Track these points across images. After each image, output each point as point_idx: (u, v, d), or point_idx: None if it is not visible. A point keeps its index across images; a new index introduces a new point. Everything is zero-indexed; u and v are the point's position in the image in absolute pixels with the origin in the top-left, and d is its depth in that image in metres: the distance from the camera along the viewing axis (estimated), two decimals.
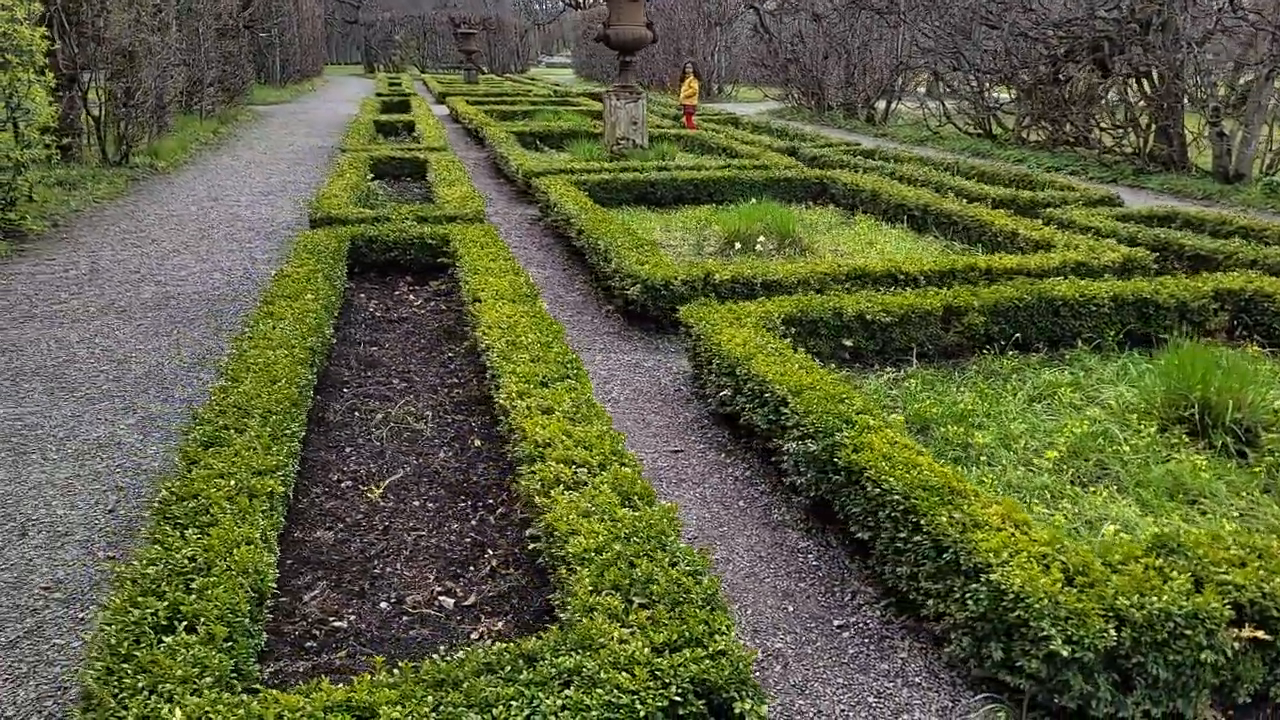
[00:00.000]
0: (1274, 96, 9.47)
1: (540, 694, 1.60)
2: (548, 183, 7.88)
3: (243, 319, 5.05)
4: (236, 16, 18.92)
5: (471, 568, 2.54)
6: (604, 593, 1.90)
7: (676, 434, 3.56)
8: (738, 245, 6.16)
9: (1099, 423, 3.28)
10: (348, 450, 3.26)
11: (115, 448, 3.38)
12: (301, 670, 2.07)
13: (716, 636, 1.75)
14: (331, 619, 2.28)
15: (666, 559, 2.00)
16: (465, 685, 1.63)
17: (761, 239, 6.16)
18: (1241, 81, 10.18)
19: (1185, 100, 10.27)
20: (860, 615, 2.37)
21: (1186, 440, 3.18)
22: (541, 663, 1.68)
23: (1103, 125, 11.40)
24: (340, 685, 1.65)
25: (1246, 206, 8.72)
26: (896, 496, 2.25)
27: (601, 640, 1.73)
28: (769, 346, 3.42)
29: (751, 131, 14.36)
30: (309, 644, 2.18)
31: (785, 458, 2.89)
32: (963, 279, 4.86)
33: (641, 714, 1.58)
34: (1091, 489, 2.86)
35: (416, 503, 2.90)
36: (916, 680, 2.12)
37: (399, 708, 1.57)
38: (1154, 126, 10.47)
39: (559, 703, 1.58)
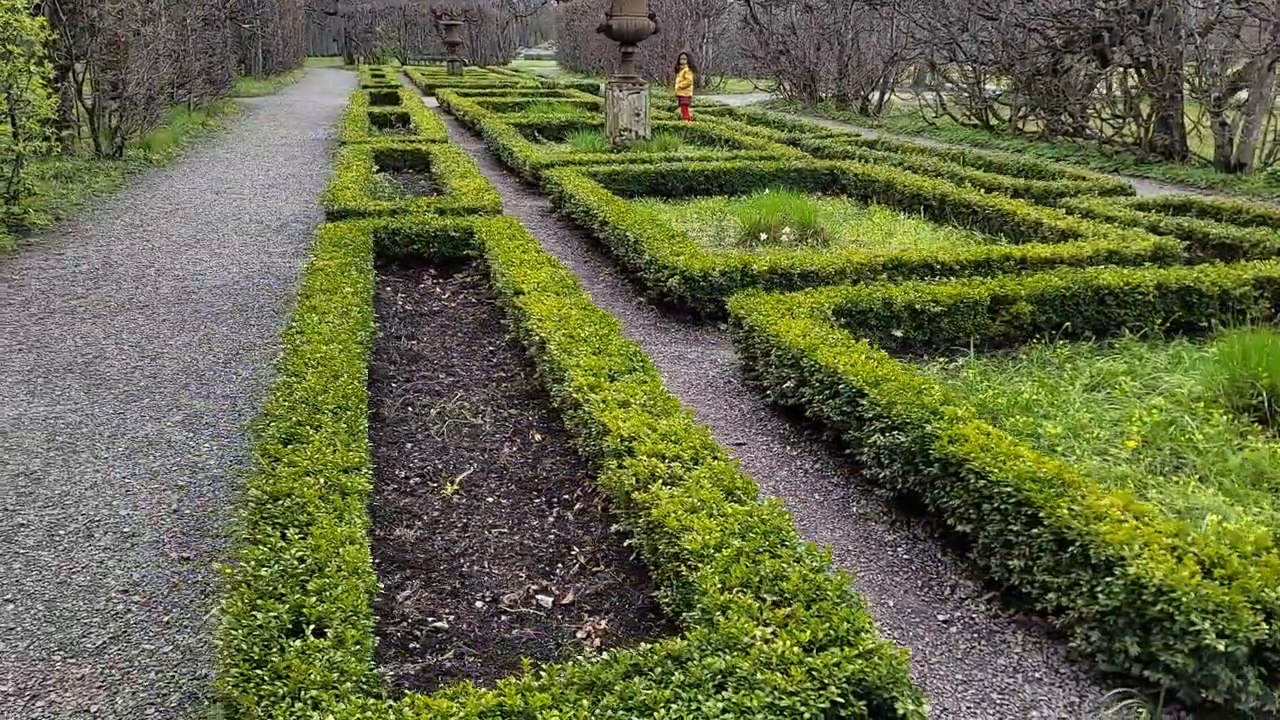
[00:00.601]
0: (1275, 86, 9.53)
1: (698, 696, 1.55)
2: (560, 174, 7.80)
3: (269, 314, 4.97)
4: (221, 7, 18.64)
5: (560, 565, 2.49)
6: (734, 590, 1.85)
7: (735, 427, 3.51)
8: (763, 236, 6.12)
9: (1166, 411, 3.26)
10: (409, 446, 3.19)
11: (166, 446, 3.29)
12: (413, 673, 2.01)
13: (862, 635, 1.71)
14: (430, 619, 2.22)
15: (790, 555, 1.96)
16: (618, 688, 1.58)
17: (787, 230, 6.12)
18: (1231, 71, 10.23)
19: (1186, 90, 10.32)
20: (965, 610, 2.33)
21: (1257, 428, 3.17)
22: (691, 664, 1.63)
23: (1103, 115, 11.44)
24: (486, 690, 1.59)
25: (1251, 195, 8.78)
26: (1007, 489, 2.22)
27: (747, 640, 1.69)
28: (831, 337, 3.38)
29: (748, 123, 14.31)
30: (412, 645, 2.12)
31: (864, 450, 2.85)
32: (999, 268, 4.84)
33: (806, 716, 1.53)
34: (1172, 478, 2.85)
35: (490, 499, 2.84)
36: (1037, 675, 2.08)
37: (556, 712, 1.52)
38: (1155, 116, 10.52)
39: (719, 705, 1.53)
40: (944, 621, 2.30)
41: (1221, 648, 1.73)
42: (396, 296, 5.21)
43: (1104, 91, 11.79)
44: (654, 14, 10.86)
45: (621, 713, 1.52)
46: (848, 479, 3.02)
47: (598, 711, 1.53)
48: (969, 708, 1.99)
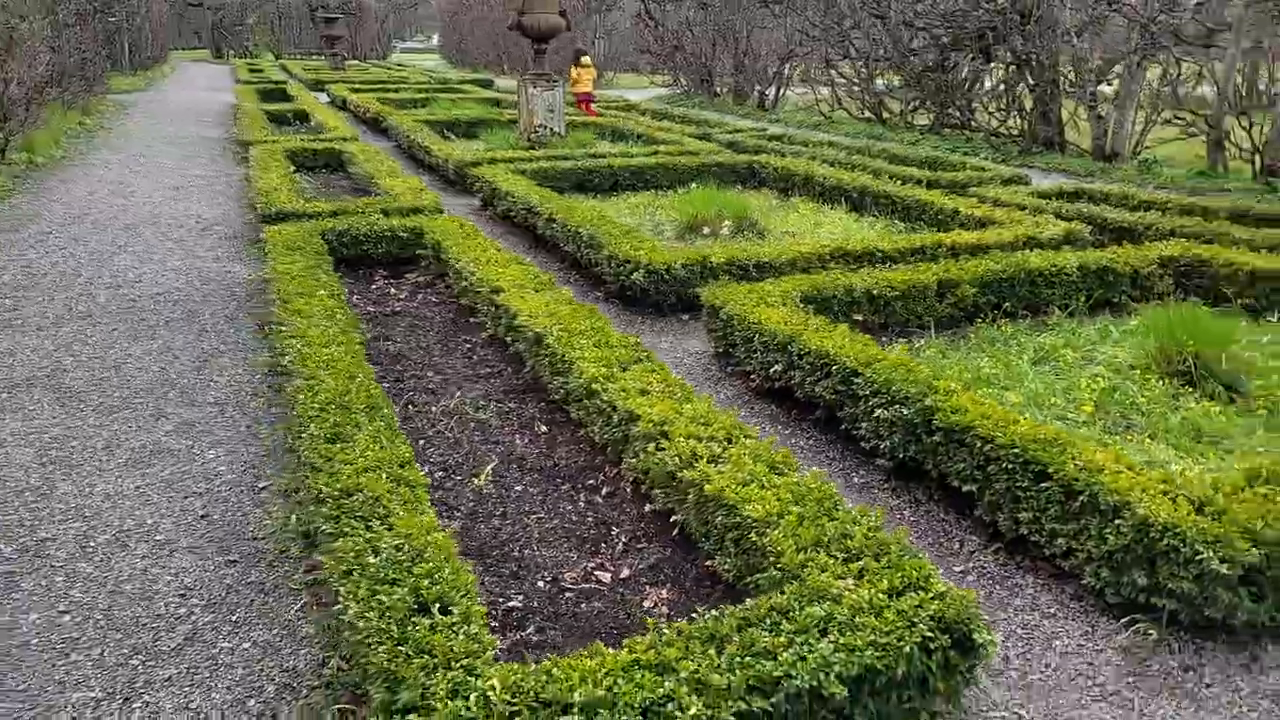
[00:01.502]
0: (1143, 82, 10.39)
1: (809, 640, 1.75)
2: (489, 172, 7.87)
3: (224, 320, 4.89)
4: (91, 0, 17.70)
5: (604, 544, 2.64)
6: (807, 550, 2.06)
7: (724, 410, 3.71)
8: (705, 230, 6.35)
9: (1109, 379, 3.65)
10: (421, 443, 3.27)
11: (168, 455, 3.27)
12: (504, 648, 2.13)
13: (931, 580, 1.94)
14: (501, 600, 2.34)
15: (847, 517, 2.18)
16: (737, 639, 1.76)
17: (727, 223, 6.38)
18: (1092, 64, 11.09)
19: (1063, 85, 11.11)
20: (976, 561, 2.61)
21: (1187, 390, 3.58)
22: (795, 613, 1.83)
23: (989, 109, 12.18)
24: (620, 649, 1.75)
25: (1125, 181, 9.55)
26: (1015, 450, 2.50)
27: (835, 592, 1.89)
28: (812, 323, 3.63)
29: (654, 118, 14.58)
30: (492, 624, 2.24)
31: (862, 425, 3.11)
32: (932, 255, 5.22)
33: (905, 650, 1.75)
34: (1126, 437, 3.21)
35: (519, 489, 2.96)
36: (1051, 611, 2.37)
37: (689, 661, 1.69)
38: (1036, 110, 11.28)
39: (830, 646, 1.74)
40: (960, 572, 2.57)
41: (1224, 571, 2.05)
42: (354, 298, 5.21)
43: (989, 87, 12.54)
44: (565, 11, 10.96)
45: (748, 658, 1.70)
46: (843, 453, 3.27)
47: (725, 659, 1.71)
48: (1000, 641, 2.26)
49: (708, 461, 2.49)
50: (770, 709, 1.64)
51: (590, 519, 2.78)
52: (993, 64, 12.26)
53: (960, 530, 2.75)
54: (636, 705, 1.59)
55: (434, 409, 3.55)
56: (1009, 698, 2.07)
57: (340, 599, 1.90)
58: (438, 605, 1.86)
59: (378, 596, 1.86)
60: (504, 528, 2.71)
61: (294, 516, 2.75)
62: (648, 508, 2.77)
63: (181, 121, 14.88)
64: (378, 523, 2.17)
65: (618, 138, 12.05)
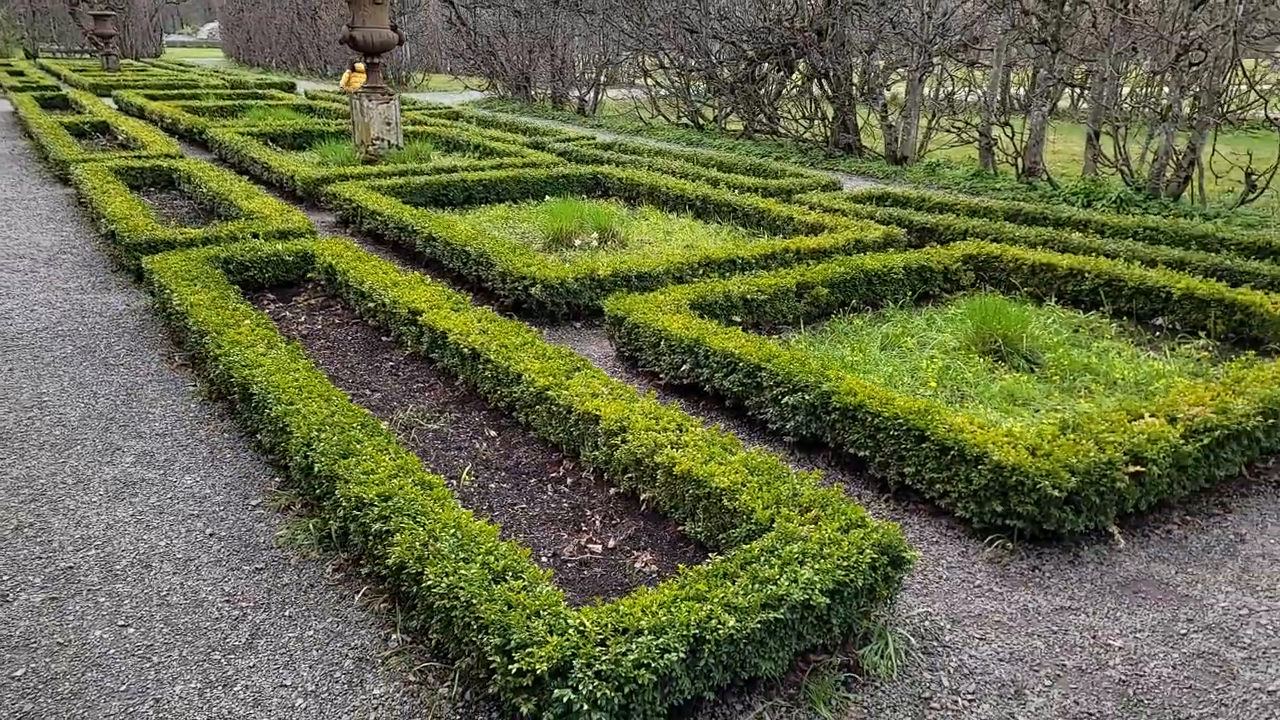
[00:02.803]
0: (925, 94, 11.85)
1: (794, 568, 2.39)
2: (348, 189, 8.06)
3: (125, 353, 4.96)
4: None
5: (583, 524, 3.18)
6: (772, 506, 2.70)
7: None
8: (578, 242, 6.91)
9: (943, 359, 4.54)
10: None
11: (146, 484, 3.49)
12: None
13: (865, 519, 2.63)
14: None
15: (794, 480, 2.84)
16: (746, 571, 2.37)
17: (595, 235, 6.96)
18: (882, 78, 12.53)
19: (858, 96, 12.45)
20: (873, 508, 3.35)
21: (1000, 365, 4.53)
22: (780, 549, 2.46)
23: (795, 117, 13.41)
24: (654, 588, 2.31)
25: (916, 183, 10.92)
26: (899, 420, 3.25)
27: (803, 534, 2.54)
28: (710, 326, 4.30)
29: (482, 126, 14.91)
30: None
31: (769, 410, 3.80)
32: (782, 260, 6.04)
33: (861, 568, 2.42)
34: (961, 404, 4.08)
35: (493, 485, 3.44)
36: (934, 540, 3.14)
37: (719, 591, 2.28)
38: (837, 119, 12.57)
39: (812, 570, 2.38)
40: None
41: (1055, 494, 2.86)
42: None
43: (794, 97, 13.78)
44: (396, 25, 11.14)
45: (756, 585, 2.32)
46: (751, 435, 3.95)
47: (739, 587, 2.31)
48: None
49: (671, 448, 3.08)
50: (780, 618, 2.26)
51: (566, 505, 3.30)
52: (795, 75, 13.50)
53: (858, 486, 3.49)
54: (691, 624, 2.17)
55: (387, 423, 3.93)
56: (919, 600, 2.80)
57: (427, 578, 2.35)
58: (509, 574, 2.35)
59: (460, 572, 2.33)
60: (497, 519, 3.19)
61: (311, 524, 3.11)
62: (612, 491, 3.33)
63: None
64: (424, 518, 2.61)
65: (452, 148, 12.35)
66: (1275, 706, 2.38)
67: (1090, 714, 2.34)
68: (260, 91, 19.75)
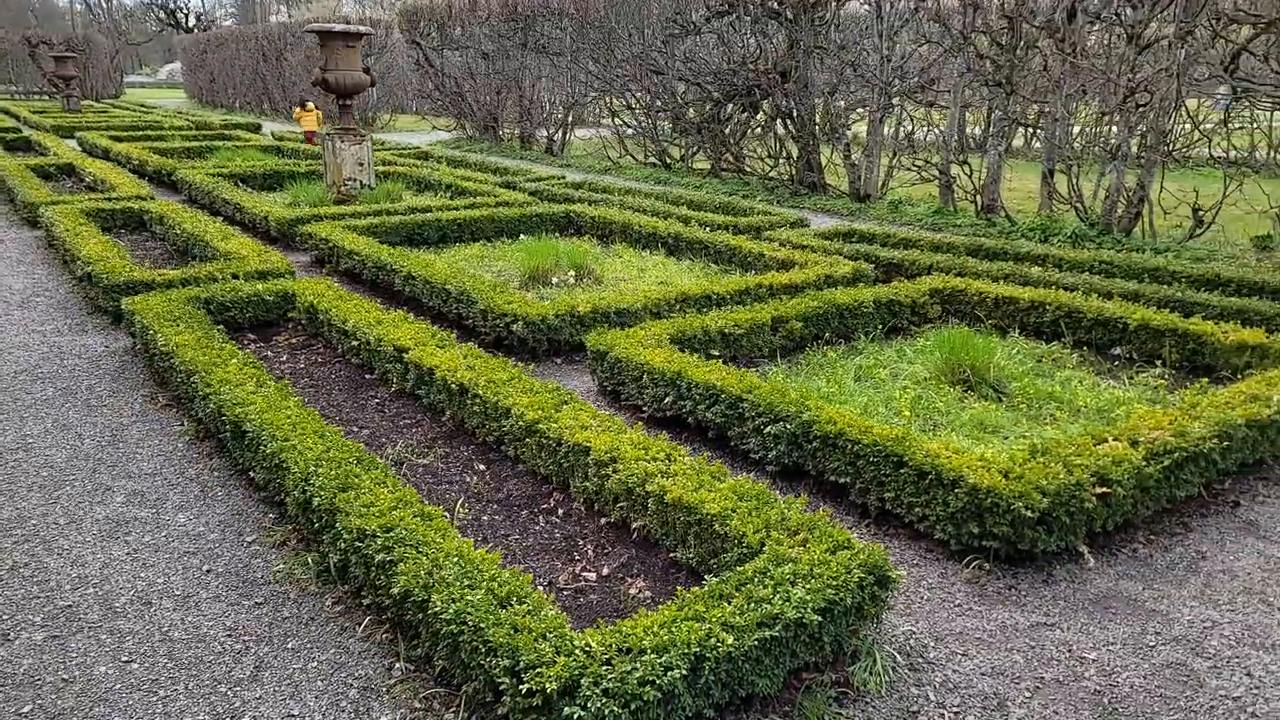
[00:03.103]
0: (886, 133, 12.21)
1: (786, 587, 2.49)
2: (325, 229, 8.14)
3: (107, 395, 4.97)
4: None
5: (576, 553, 3.27)
6: (762, 530, 2.81)
7: None
8: (554, 280, 7.03)
9: (915, 389, 4.71)
10: None
11: (138, 523, 3.52)
12: None
13: (851, 541, 2.75)
14: None
15: (782, 505, 2.95)
16: (742, 592, 2.48)
17: (573, 272, 7.10)
18: (844, 119, 12.91)
19: (821, 135, 12.79)
20: (855, 532, 3.47)
21: (969, 395, 4.70)
22: (772, 571, 2.57)
23: (761, 157, 13.73)
24: (654, 610, 2.41)
25: (879, 219, 11.22)
26: (878, 447, 3.39)
27: (793, 555, 2.66)
28: (691, 360, 4.43)
29: (452, 165, 15.05)
30: None
31: (751, 440, 3.93)
32: (756, 295, 6.20)
33: (850, 586, 2.54)
34: (933, 431, 4.24)
35: (485, 517, 3.51)
36: (915, 562, 3.27)
37: (716, 611, 2.38)
38: (802, 157, 12.89)
39: (804, 590, 2.49)
40: None
41: (1028, 514, 3.01)
42: None
43: (759, 136, 14.11)
44: (369, 69, 11.29)
45: (751, 604, 2.42)
46: (735, 465, 4.07)
47: (735, 607, 2.42)
48: None
49: (661, 476, 3.19)
50: (775, 635, 2.37)
51: (558, 535, 3.39)
52: (760, 116, 13.84)
53: (840, 513, 3.61)
54: (691, 642, 2.27)
55: (380, 459, 3.99)
56: (903, 620, 2.92)
57: (433, 604, 2.43)
58: (514, 599, 2.44)
59: (466, 597, 2.41)
60: (492, 549, 3.26)
61: (310, 558, 3.16)
62: (603, 521, 3.42)
63: None
64: (427, 548, 2.69)
65: (424, 187, 12.47)
66: (1239, 711, 2.52)
67: None
68: (227, 133, 19.75)
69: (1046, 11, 9.84)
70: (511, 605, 2.42)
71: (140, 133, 19.17)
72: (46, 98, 38.00)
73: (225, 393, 4.02)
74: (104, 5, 76.40)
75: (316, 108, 18.87)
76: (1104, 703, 2.54)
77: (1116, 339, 5.41)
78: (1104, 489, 3.18)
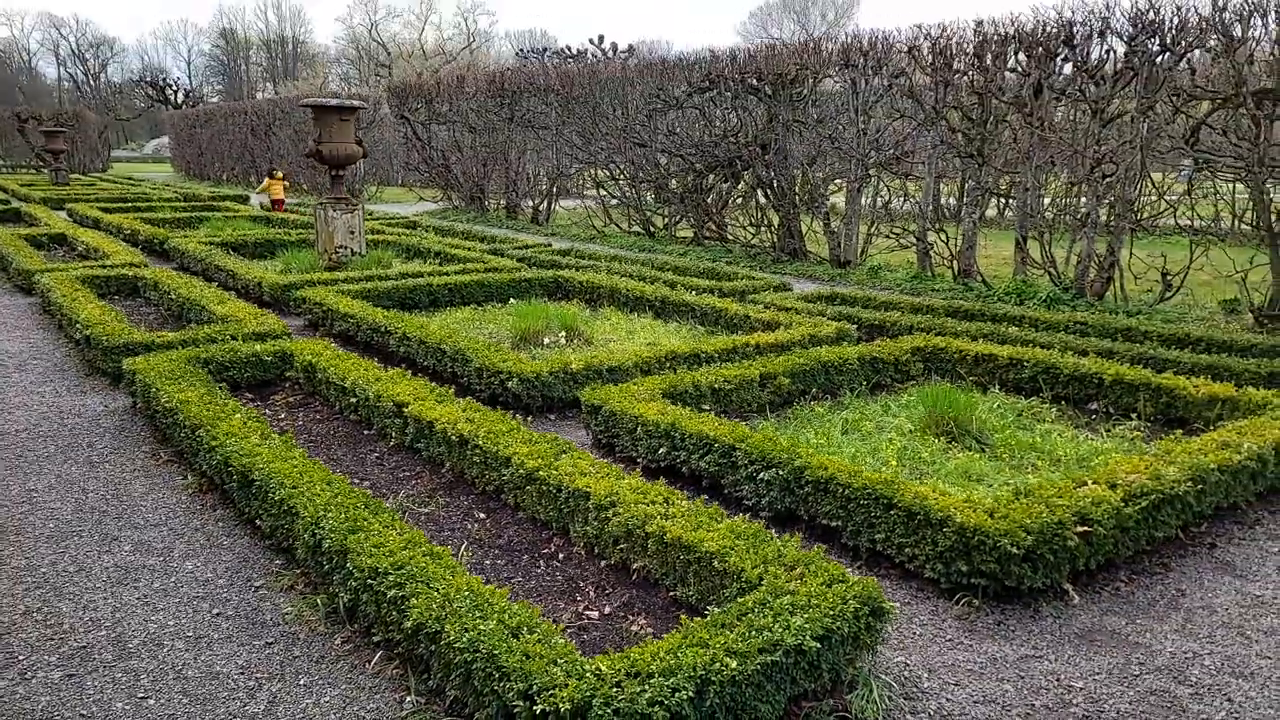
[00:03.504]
0: (862, 204, 12.61)
1: (787, 618, 2.60)
2: (319, 294, 8.31)
3: (109, 452, 5.04)
4: None
5: (578, 594, 3.36)
6: (760, 565, 2.92)
7: None
8: (546, 341, 7.20)
9: (900, 440, 4.86)
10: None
11: (148, 570, 3.58)
12: None
13: (846, 575, 2.87)
14: None
15: (777, 543, 3.07)
16: (743, 621, 2.58)
17: (563, 334, 7.27)
18: (824, 189, 13.34)
19: (801, 205, 13.18)
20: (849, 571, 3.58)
21: (954, 446, 4.86)
22: (771, 602, 2.68)
23: (743, 225, 14.10)
24: (658, 639, 2.51)
25: (860, 284, 11.52)
26: (869, 490, 3.53)
27: (791, 588, 2.77)
28: (684, 413, 4.57)
29: (440, 234, 15.34)
30: None
31: (744, 487, 4.05)
32: (743, 354, 6.38)
33: (846, 616, 2.65)
34: (920, 480, 4.38)
35: (488, 562, 3.60)
36: (907, 601, 3.38)
37: (720, 639, 2.49)
38: (782, 225, 13.26)
39: (802, 619, 2.60)
40: None
41: (1015, 551, 3.14)
42: None
43: (741, 205, 14.51)
44: (361, 140, 11.61)
45: (753, 632, 2.53)
46: (730, 510, 4.15)
47: (737, 635, 2.52)
48: None
49: (661, 518, 3.30)
50: (776, 661, 2.47)
51: (560, 577, 3.48)
52: (741, 185, 14.25)
53: (833, 554, 3.71)
54: (698, 666, 2.37)
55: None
56: (896, 654, 3.02)
57: (447, 634, 2.52)
58: (524, 629, 2.53)
59: (479, 627, 2.51)
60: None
61: (319, 599, 3.24)
62: (603, 563, 3.52)
63: None
64: (438, 583, 2.79)
65: (413, 255, 12.70)
66: None
67: None
68: (215, 204, 20.04)
69: (1014, 88, 10.32)
70: (523, 634, 2.51)
71: (129, 204, 19.42)
72: (34, 171, 38.36)
73: (231, 445, 4.12)
74: (91, 83, 77.70)
75: (281, 177, 19.93)
76: None
77: (1093, 394, 5.61)
78: (1084, 528, 3.33)
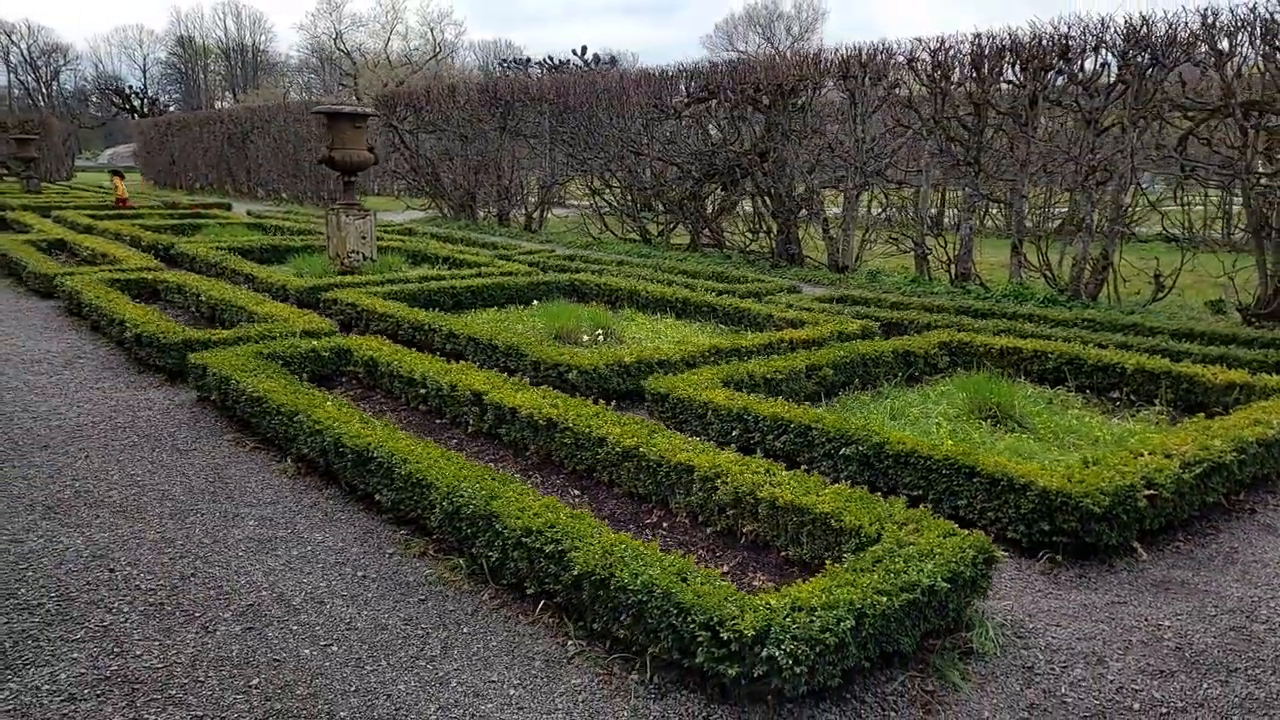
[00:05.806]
0: (859, 211, 13.04)
1: (917, 562, 2.91)
2: (350, 295, 8.51)
3: (191, 440, 5.20)
4: None
5: (691, 557, 3.63)
6: (875, 524, 3.23)
7: None
8: (585, 338, 7.47)
9: (949, 424, 5.20)
10: None
11: (280, 541, 3.80)
12: None
13: (956, 530, 3.18)
14: None
15: (886, 505, 3.38)
16: (879, 565, 2.88)
17: (601, 332, 7.54)
18: (821, 196, 13.78)
19: (800, 211, 13.58)
20: None
21: (999, 429, 5.21)
22: (898, 551, 2.98)
23: (742, 231, 14.46)
24: (810, 580, 2.80)
25: (860, 288, 11.92)
26: (950, 460, 3.85)
27: (911, 540, 3.08)
28: (753, 399, 4.88)
29: (439, 241, 15.52)
30: None
31: (822, 463, 4.36)
32: (777, 350, 6.71)
33: (968, 559, 2.96)
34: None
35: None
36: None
37: (865, 579, 2.78)
38: (781, 232, 13.65)
39: (933, 563, 2.90)
40: None
41: (1096, 510, 3.48)
42: None
43: (740, 213, 14.88)
44: (373, 147, 11.80)
45: (891, 573, 2.83)
46: None
47: (880, 575, 2.82)
48: None
49: (769, 485, 3.60)
50: (915, 599, 2.78)
51: (670, 542, 3.76)
52: (739, 193, 14.63)
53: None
54: (854, 601, 2.66)
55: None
56: (995, 601, 3.34)
57: (618, 579, 2.79)
58: (686, 573, 2.81)
59: (647, 572, 2.78)
60: None
61: (461, 561, 3.48)
62: (709, 530, 3.81)
63: None
64: (590, 539, 3.05)
65: (419, 260, 12.89)
66: None
67: (1160, 670, 2.90)
68: (203, 211, 20.02)
69: (1009, 98, 10.80)
70: (689, 577, 2.79)
71: (114, 211, 19.35)
72: (7, 180, 37.81)
73: (340, 427, 4.35)
74: (44, 90, 76.26)
75: (124, 178, 22.35)
76: (1186, 656, 2.98)
77: (1115, 382, 6.00)
78: (1151, 491, 3.68)
